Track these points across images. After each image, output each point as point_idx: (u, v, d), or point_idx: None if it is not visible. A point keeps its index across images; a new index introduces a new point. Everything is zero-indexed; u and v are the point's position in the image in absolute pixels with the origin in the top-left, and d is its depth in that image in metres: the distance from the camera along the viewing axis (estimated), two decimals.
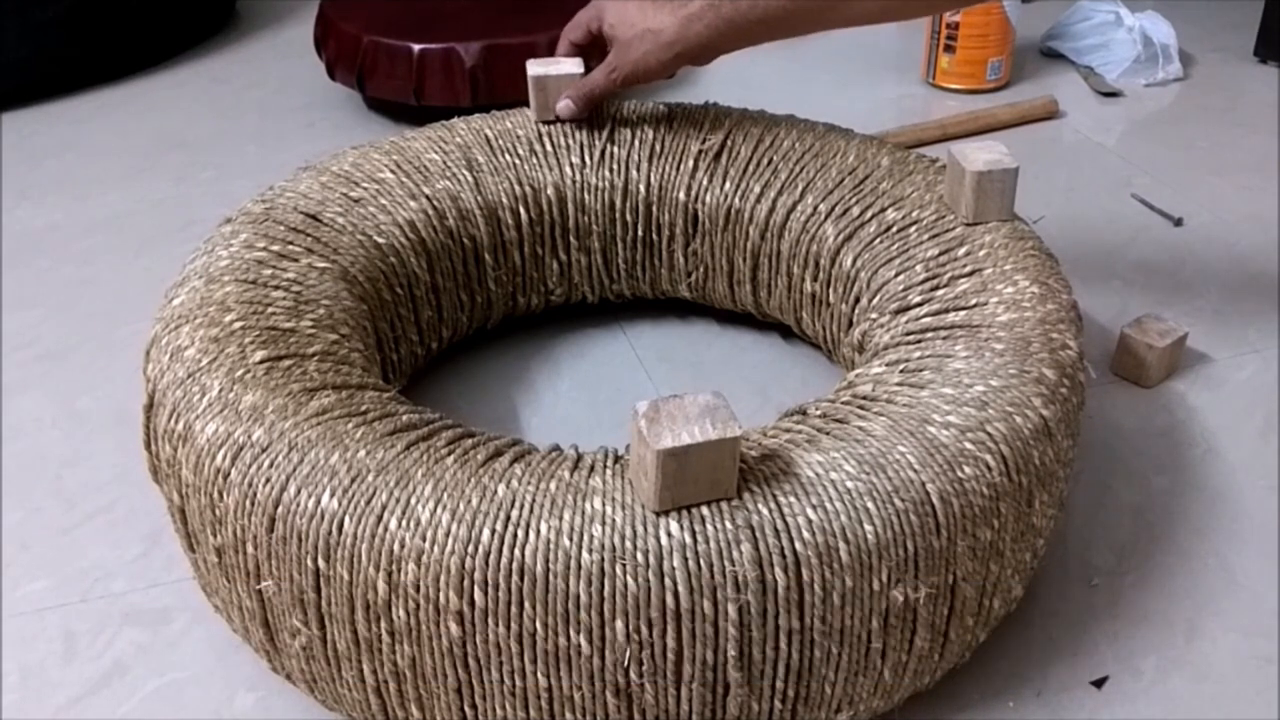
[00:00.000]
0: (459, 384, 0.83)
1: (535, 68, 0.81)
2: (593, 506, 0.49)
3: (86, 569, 0.68)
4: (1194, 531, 0.70)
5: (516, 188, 0.80)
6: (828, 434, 0.54)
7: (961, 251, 0.68)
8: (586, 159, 0.81)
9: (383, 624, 0.50)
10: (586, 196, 0.81)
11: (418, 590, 0.48)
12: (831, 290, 0.76)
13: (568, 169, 0.81)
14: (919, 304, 0.66)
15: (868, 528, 0.49)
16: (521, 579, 0.47)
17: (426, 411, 0.58)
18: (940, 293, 0.66)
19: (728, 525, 0.48)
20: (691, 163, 0.81)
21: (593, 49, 0.84)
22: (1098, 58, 1.36)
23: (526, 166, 0.80)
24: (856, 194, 0.75)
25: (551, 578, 0.47)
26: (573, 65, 0.82)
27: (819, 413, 0.58)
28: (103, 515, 0.72)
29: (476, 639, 0.49)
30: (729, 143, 0.81)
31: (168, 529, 0.65)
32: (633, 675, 0.48)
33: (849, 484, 0.50)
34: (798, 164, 0.79)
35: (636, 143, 0.82)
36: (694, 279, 0.84)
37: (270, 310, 0.62)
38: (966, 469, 0.52)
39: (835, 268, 0.75)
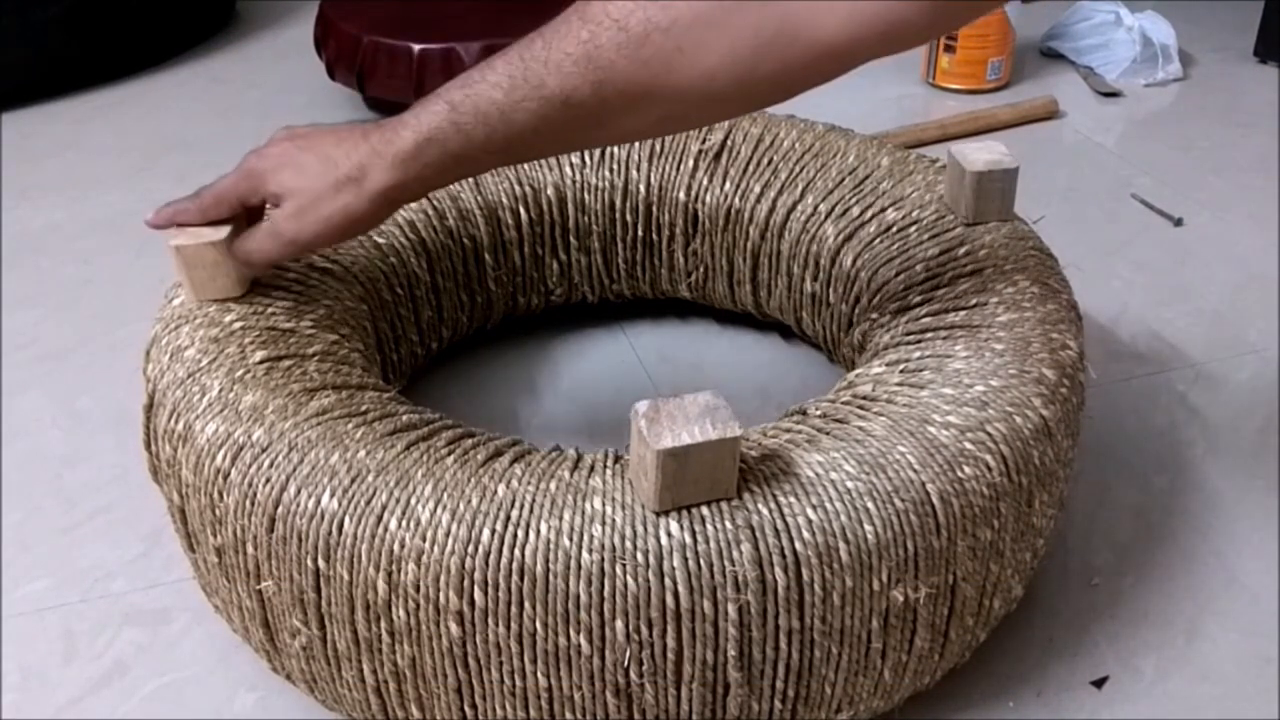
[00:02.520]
0: (459, 384, 0.83)
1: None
2: (593, 506, 0.49)
3: (86, 569, 0.68)
4: (1194, 531, 0.70)
5: (516, 188, 0.80)
6: (828, 434, 0.54)
7: (962, 251, 0.68)
8: (586, 159, 0.81)
9: (383, 624, 0.50)
10: (586, 196, 0.81)
11: (418, 590, 0.48)
12: (831, 290, 0.76)
13: (568, 169, 0.81)
14: (919, 304, 0.66)
15: (868, 528, 0.49)
16: (521, 579, 0.47)
17: (426, 411, 0.58)
18: (940, 292, 0.66)
19: (728, 525, 0.48)
20: (691, 163, 0.81)
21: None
22: (1098, 58, 1.36)
23: (526, 166, 0.80)
24: (856, 194, 0.75)
25: (551, 578, 0.47)
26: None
27: (819, 413, 0.58)
28: (103, 515, 0.72)
29: (476, 639, 0.49)
30: (729, 143, 0.81)
31: (168, 529, 0.65)
32: (633, 675, 0.48)
33: (849, 484, 0.50)
34: (798, 164, 0.79)
35: (636, 143, 0.82)
36: (694, 279, 0.84)
37: (270, 310, 0.62)
38: (966, 469, 0.52)
39: (835, 268, 0.75)
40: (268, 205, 0.62)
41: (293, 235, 0.58)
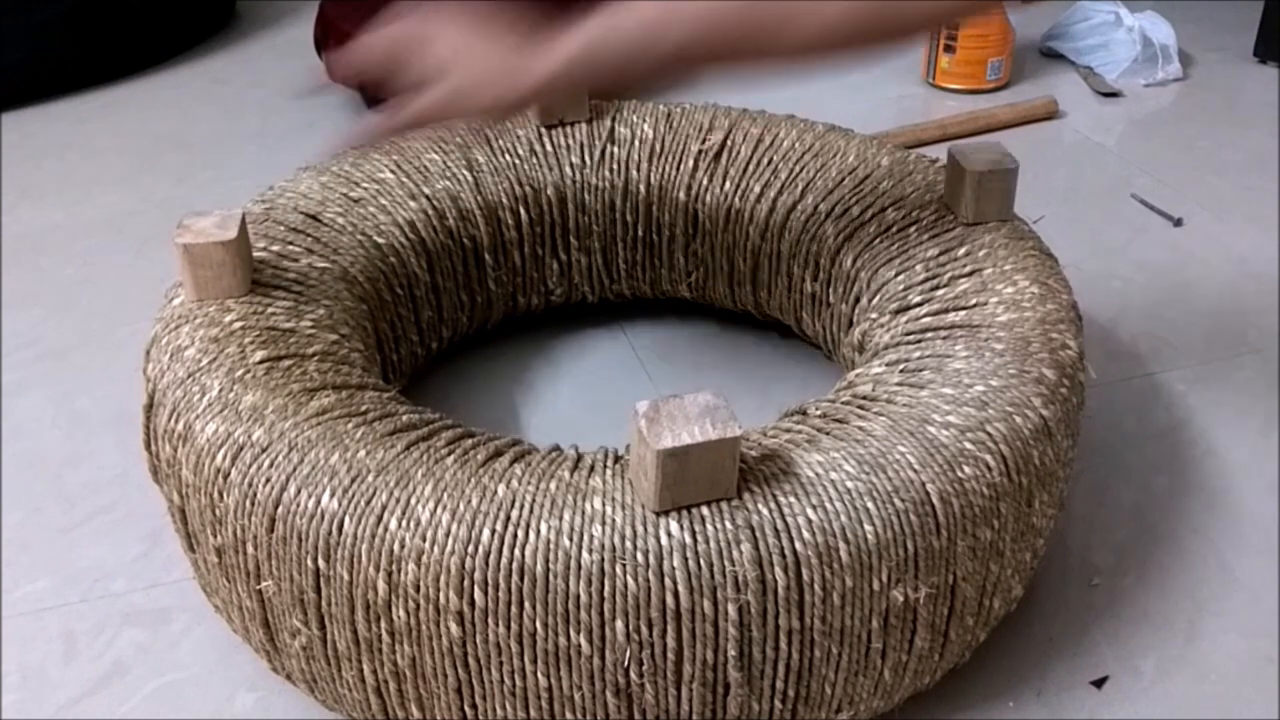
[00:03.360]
0: (459, 384, 0.83)
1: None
2: (593, 506, 0.49)
3: (86, 569, 0.68)
4: (1194, 531, 0.70)
5: (516, 188, 0.80)
6: (828, 434, 0.54)
7: (961, 251, 0.68)
8: (586, 159, 0.81)
9: (383, 624, 0.50)
10: (586, 196, 0.81)
11: (418, 590, 0.48)
12: (831, 290, 0.76)
13: (568, 169, 0.81)
14: (919, 304, 0.66)
15: (868, 528, 0.49)
16: (521, 579, 0.47)
17: (426, 411, 0.58)
18: (940, 293, 0.66)
19: (728, 525, 0.48)
20: (691, 163, 0.81)
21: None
22: (1098, 58, 1.36)
23: (526, 166, 0.80)
24: (856, 194, 0.75)
25: (551, 578, 0.47)
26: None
27: (819, 413, 0.58)
28: (103, 515, 0.72)
29: (476, 639, 0.49)
30: (729, 143, 0.81)
31: (168, 529, 0.65)
32: (633, 675, 0.48)
33: (849, 484, 0.50)
34: (798, 164, 0.79)
35: (636, 143, 0.82)
36: (694, 279, 0.84)
37: (270, 310, 0.62)
38: (966, 469, 0.52)
39: (835, 268, 0.75)
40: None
41: (458, 110, 0.60)
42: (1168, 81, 1.34)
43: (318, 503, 0.50)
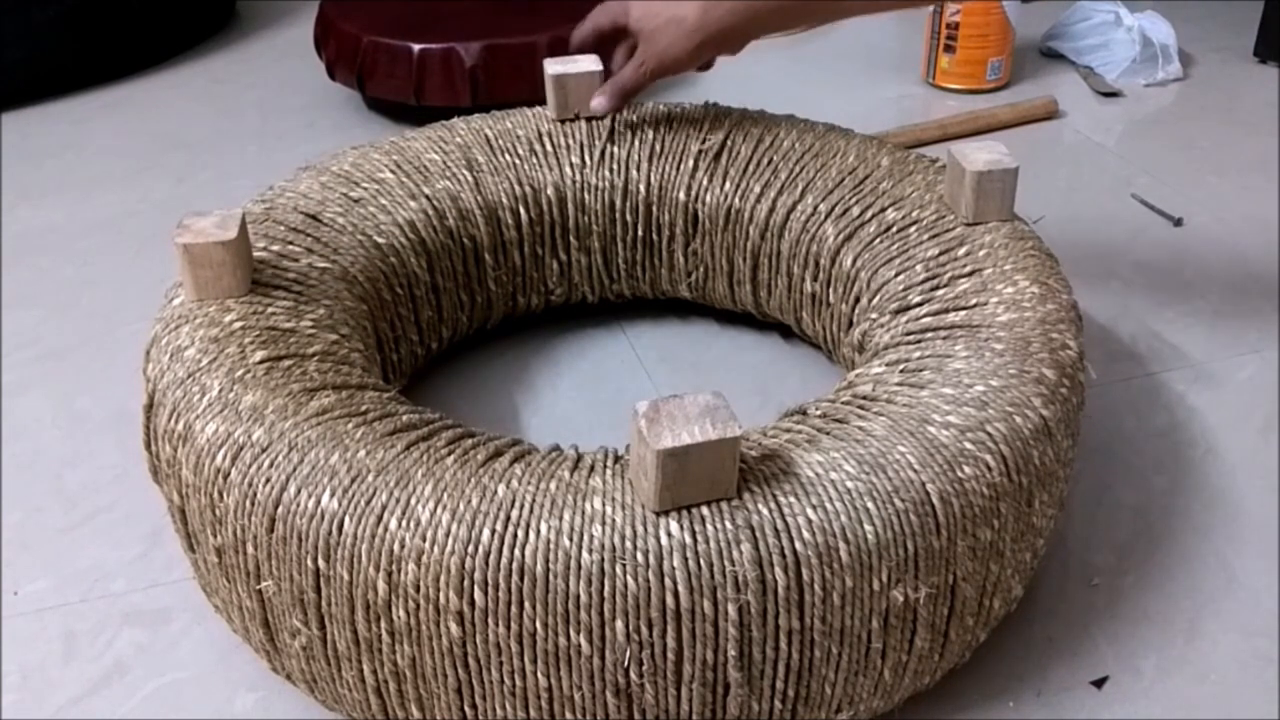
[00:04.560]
0: (459, 384, 0.83)
1: (554, 66, 0.82)
2: (593, 506, 0.49)
3: (86, 569, 0.68)
4: (1194, 531, 0.70)
5: (516, 188, 0.80)
6: (828, 434, 0.54)
7: (961, 251, 0.68)
8: (586, 159, 0.81)
9: (383, 624, 0.50)
10: (586, 196, 0.81)
11: (418, 590, 0.48)
12: (831, 290, 0.76)
13: (568, 169, 0.81)
14: (919, 304, 0.66)
15: (868, 528, 0.49)
16: (521, 579, 0.47)
17: (426, 411, 0.58)
18: (940, 293, 0.66)
19: (728, 525, 0.48)
20: (691, 163, 0.81)
21: (613, 40, 0.84)
22: (1098, 58, 1.36)
23: (526, 166, 0.80)
24: (856, 194, 0.75)
25: (551, 578, 0.47)
26: (590, 63, 0.83)
27: (819, 413, 0.58)
28: (103, 515, 0.72)
29: (476, 639, 0.49)
30: (729, 143, 0.81)
31: (168, 529, 0.65)
32: (633, 675, 0.48)
33: (849, 484, 0.50)
34: (798, 164, 0.79)
35: (636, 143, 0.82)
36: (694, 279, 0.84)
37: (270, 310, 0.62)
38: (966, 469, 0.52)
39: (835, 268, 0.75)
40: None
41: (640, 64, 0.78)
42: (1168, 81, 1.34)
43: (318, 503, 0.50)
